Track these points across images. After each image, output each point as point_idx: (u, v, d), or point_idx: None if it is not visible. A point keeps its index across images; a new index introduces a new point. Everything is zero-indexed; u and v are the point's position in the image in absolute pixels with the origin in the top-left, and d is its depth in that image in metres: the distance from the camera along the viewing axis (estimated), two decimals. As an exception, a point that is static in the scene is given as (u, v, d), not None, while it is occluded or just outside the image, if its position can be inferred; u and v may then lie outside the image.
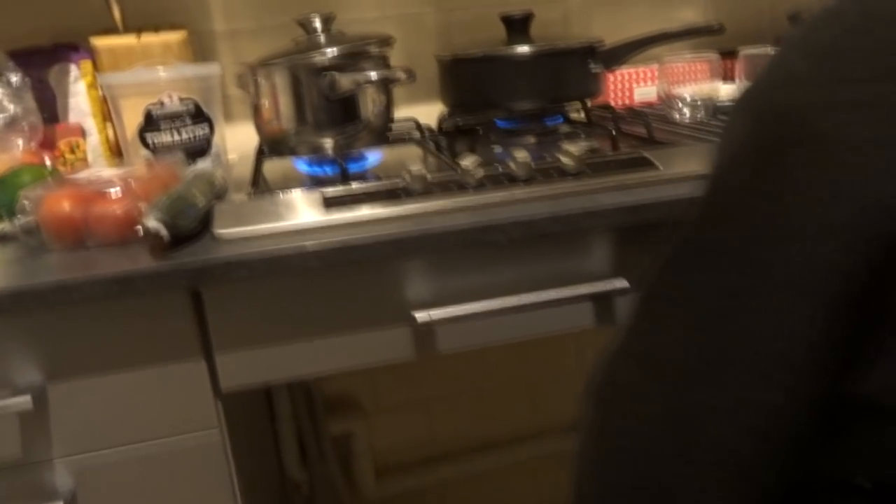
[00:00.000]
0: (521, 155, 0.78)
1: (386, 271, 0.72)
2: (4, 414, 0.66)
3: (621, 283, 0.75)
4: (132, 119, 0.92)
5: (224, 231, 0.70)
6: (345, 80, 0.77)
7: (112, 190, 0.71)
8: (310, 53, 0.78)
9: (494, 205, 0.75)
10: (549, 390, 1.45)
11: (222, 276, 0.66)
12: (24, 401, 0.65)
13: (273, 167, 0.91)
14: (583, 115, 1.09)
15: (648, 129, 0.94)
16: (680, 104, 1.06)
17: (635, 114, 1.03)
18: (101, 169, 0.78)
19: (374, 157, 0.87)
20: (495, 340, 0.76)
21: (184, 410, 0.71)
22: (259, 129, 0.86)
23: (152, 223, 0.64)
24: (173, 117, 0.90)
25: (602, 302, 0.77)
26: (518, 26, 1.09)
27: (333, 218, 0.72)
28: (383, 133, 0.84)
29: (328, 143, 0.82)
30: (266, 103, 0.81)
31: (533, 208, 0.73)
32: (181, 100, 0.90)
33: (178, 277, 0.65)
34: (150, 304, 0.68)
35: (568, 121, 1.11)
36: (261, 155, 0.93)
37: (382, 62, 0.81)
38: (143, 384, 0.70)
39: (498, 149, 0.97)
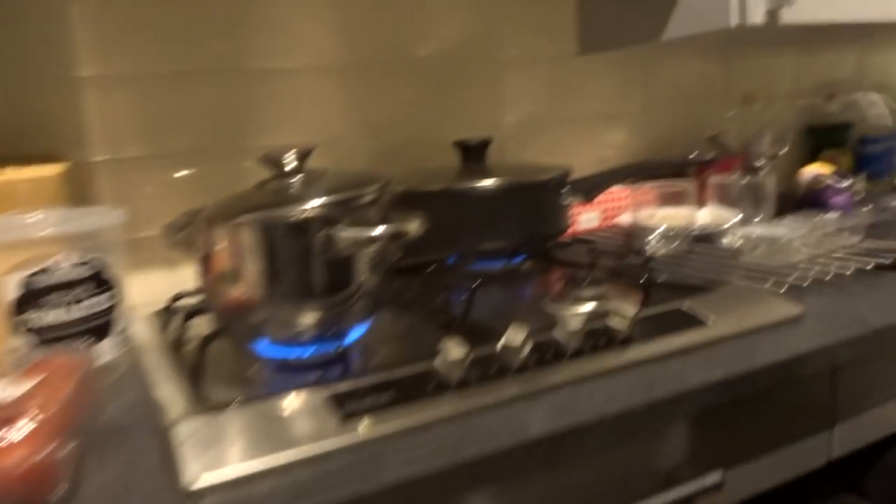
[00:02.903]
0: (572, 316, 0.62)
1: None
2: None
3: (714, 478, 0.60)
4: (-11, 288, 0.64)
5: (202, 482, 0.46)
6: (345, 239, 0.57)
7: (11, 430, 0.44)
8: (290, 205, 0.58)
9: (551, 391, 0.58)
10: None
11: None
12: None
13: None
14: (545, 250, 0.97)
15: (647, 271, 0.83)
16: (653, 234, 0.97)
17: (604, 247, 0.92)
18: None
19: (359, 329, 0.66)
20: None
21: None
22: (212, 301, 0.62)
23: None
24: (67, 287, 0.63)
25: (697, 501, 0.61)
26: (474, 154, 0.96)
27: (356, 436, 0.51)
28: (380, 299, 0.64)
29: (310, 317, 0.60)
30: (226, 270, 0.59)
31: (607, 393, 0.57)
32: (77, 263, 0.64)
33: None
34: None
35: (533, 258, 0.97)
36: (185, 321, 0.69)
37: (383, 211, 0.63)
38: None
39: (458, 294, 0.77)
